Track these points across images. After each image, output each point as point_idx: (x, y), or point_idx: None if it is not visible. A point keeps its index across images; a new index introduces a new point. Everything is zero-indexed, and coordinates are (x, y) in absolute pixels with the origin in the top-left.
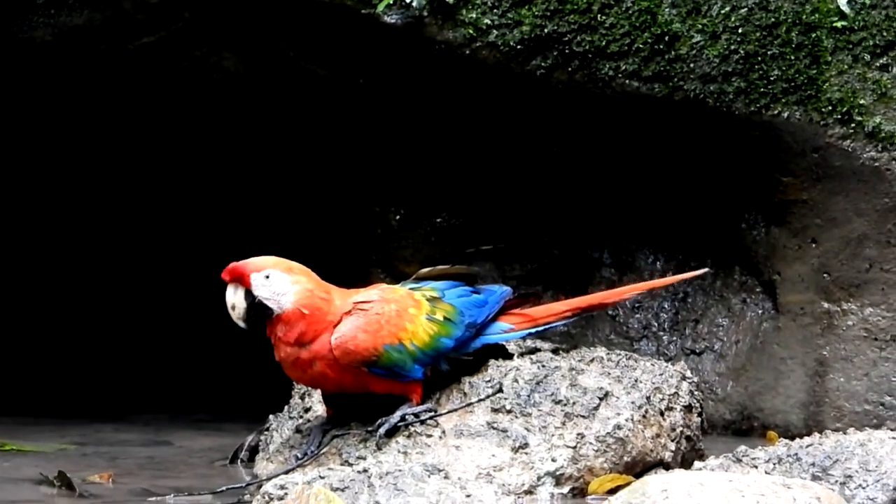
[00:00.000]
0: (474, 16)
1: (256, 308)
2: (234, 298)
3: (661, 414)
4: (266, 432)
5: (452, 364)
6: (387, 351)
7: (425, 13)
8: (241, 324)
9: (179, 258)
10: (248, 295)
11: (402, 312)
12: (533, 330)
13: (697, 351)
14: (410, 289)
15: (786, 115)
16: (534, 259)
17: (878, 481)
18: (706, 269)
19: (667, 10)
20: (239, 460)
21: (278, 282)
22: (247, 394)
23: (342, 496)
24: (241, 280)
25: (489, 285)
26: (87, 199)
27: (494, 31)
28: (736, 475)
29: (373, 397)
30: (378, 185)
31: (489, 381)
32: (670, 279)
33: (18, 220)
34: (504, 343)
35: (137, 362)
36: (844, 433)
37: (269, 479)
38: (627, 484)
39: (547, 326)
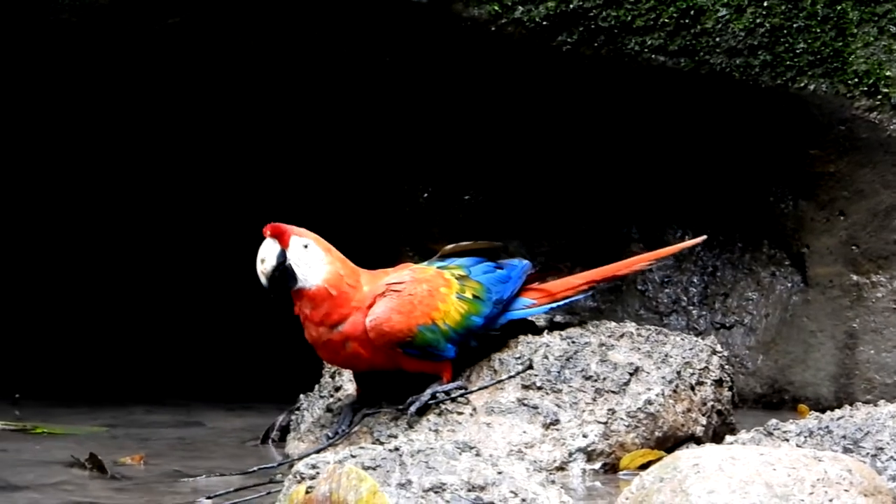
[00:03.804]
0: None
1: (283, 271)
2: (267, 252)
3: (692, 388)
4: (297, 412)
5: (480, 340)
6: (421, 331)
7: None
8: (264, 280)
9: (214, 238)
10: (282, 255)
11: (434, 292)
12: (554, 304)
13: (727, 325)
14: (438, 267)
15: (812, 87)
16: (562, 235)
17: None
18: (705, 237)
19: None
20: (270, 440)
21: (314, 255)
22: (277, 374)
23: (374, 475)
24: (281, 238)
25: (510, 259)
26: (119, 179)
27: (520, 7)
28: (767, 448)
29: (404, 374)
30: (406, 163)
31: (519, 357)
32: (676, 247)
33: (50, 204)
34: (532, 318)
35: (169, 344)
36: (875, 405)
37: (300, 458)
38: (659, 459)
39: (566, 301)
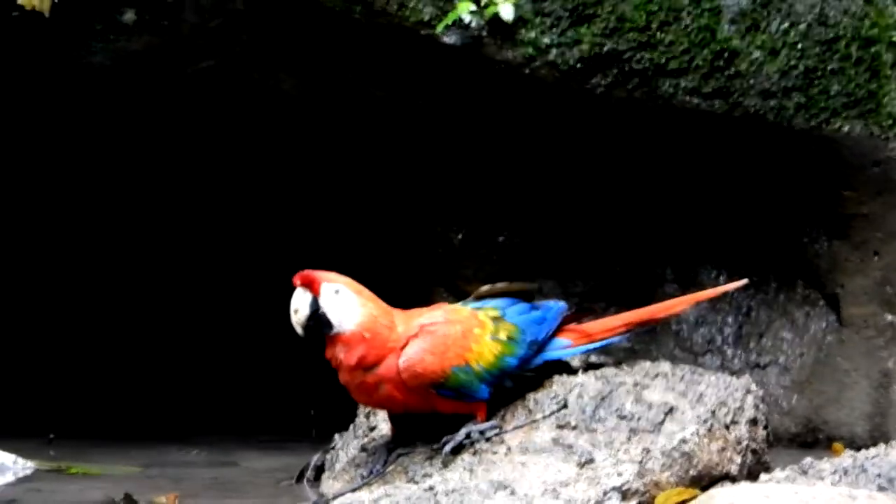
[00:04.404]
0: (533, 35)
1: (318, 319)
2: (299, 302)
3: (727, 427)
4: (332, 451)
5: (515, 381)
6: (454, 372)
7: (484, 33)
8: (300, 329)
9: (251, 281)
10: (314, 303)
11: (468, 333)
12: (591, 346)
13: (762, 364)
14: (473, 308)
15: (846, 129)
16: (596, 276)
17: None
18: (746, 280)
19: (726, 26)
20: (305, 480)
21: (346, 300)
22: (312, 413)
23: None
24: (311, 287)
25: (546, 301)
26: (154, 219)
27: (553, 49)
28: (802, 487)
29: (438, 415)
30: (440, 204)
31: (554, 397)
32: (715, 291)
33: (86, 242)
34: (567, 359)
35: (203, 383)
36: None
37: (335, 497)
38: (693, 498)
39: (603, 342)
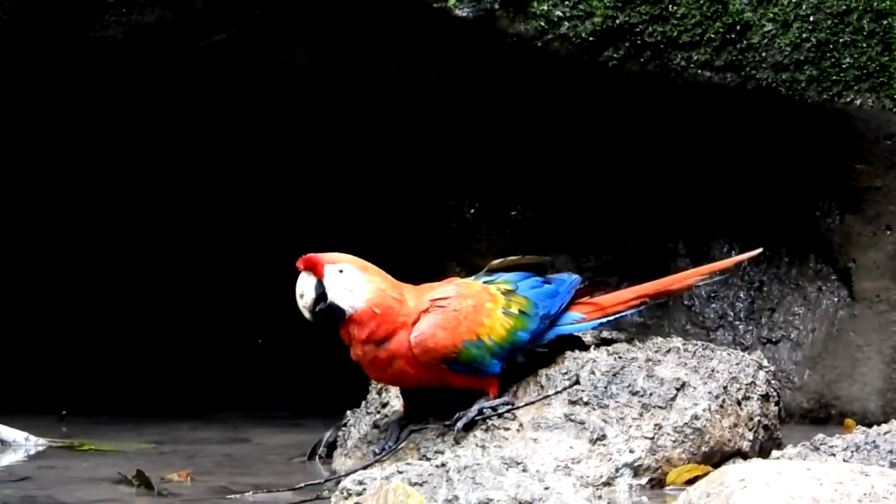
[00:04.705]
0: (545, 8)
1: (329, 308)
2: (304, 286)
3: (739, 403)
4: (344, 428)
5: (528, 356)
6: (466, 347)
7: (496, 6)
8: (307, 314)
9: (258, 255)
10: (319, 286)
11: (479, 308)
12: (604, 320)
13: (774, 340)
14: (484, 282)
15: (858, 102)
16: (609, 250)
17: None
18: (760, 250)
19: None
20: (317, 456)
21: (352, 278)
22: (324, 390)
23: (421, 491)
24: (315, 270)
25: (559, 274)
26: (161, 196)
27: (566, 22)
28: (814, 463)
29: (450, 391)
30: (452, 178)
31: (566, 373)
32: (729, 261)
33: (101, 225)
34: (579, 334)
35: (215, 360)
36: None
37: (347, 474)
38: (705, 474)
39: (617, 315)
